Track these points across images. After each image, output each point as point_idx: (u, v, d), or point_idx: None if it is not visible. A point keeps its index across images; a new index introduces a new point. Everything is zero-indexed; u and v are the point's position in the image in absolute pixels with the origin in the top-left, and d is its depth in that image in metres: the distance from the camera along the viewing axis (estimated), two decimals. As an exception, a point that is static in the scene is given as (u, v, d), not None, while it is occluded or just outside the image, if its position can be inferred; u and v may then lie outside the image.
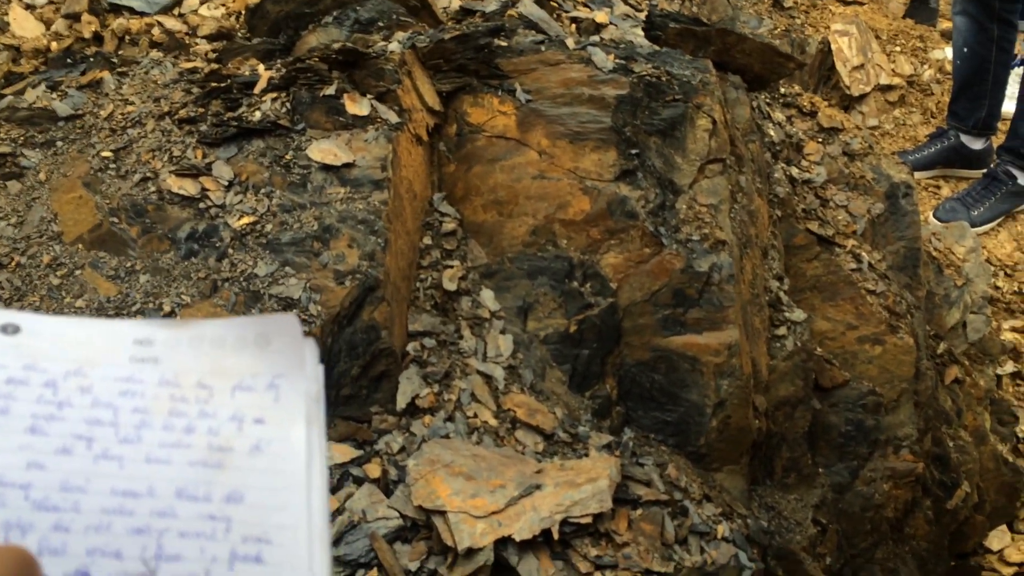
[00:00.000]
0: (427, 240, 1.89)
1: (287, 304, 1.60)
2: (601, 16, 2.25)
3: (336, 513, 1.51)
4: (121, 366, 0.53)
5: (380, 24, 2.14)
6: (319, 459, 0.52)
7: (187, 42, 2.40)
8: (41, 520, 0.47)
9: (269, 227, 1.70)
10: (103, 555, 0.48)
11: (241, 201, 1.74)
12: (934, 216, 3.40)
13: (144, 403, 0.52)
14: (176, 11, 2.52)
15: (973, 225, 3.23)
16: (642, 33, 2.07)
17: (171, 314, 1.64)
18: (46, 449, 0.49)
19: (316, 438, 0.53)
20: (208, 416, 0.52)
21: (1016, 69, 3.81)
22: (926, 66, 4.29)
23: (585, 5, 2.34)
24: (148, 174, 1.81)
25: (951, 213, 3.34)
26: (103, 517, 0.48)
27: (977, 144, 3.59)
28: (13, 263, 1.75)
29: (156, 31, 2.44)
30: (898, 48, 4.38)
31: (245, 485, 0.50)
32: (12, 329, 0.52)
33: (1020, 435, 2.71)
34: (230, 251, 1.69)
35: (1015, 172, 3.38)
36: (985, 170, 3.52)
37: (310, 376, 0.54)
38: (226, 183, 1.77)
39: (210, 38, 2.42)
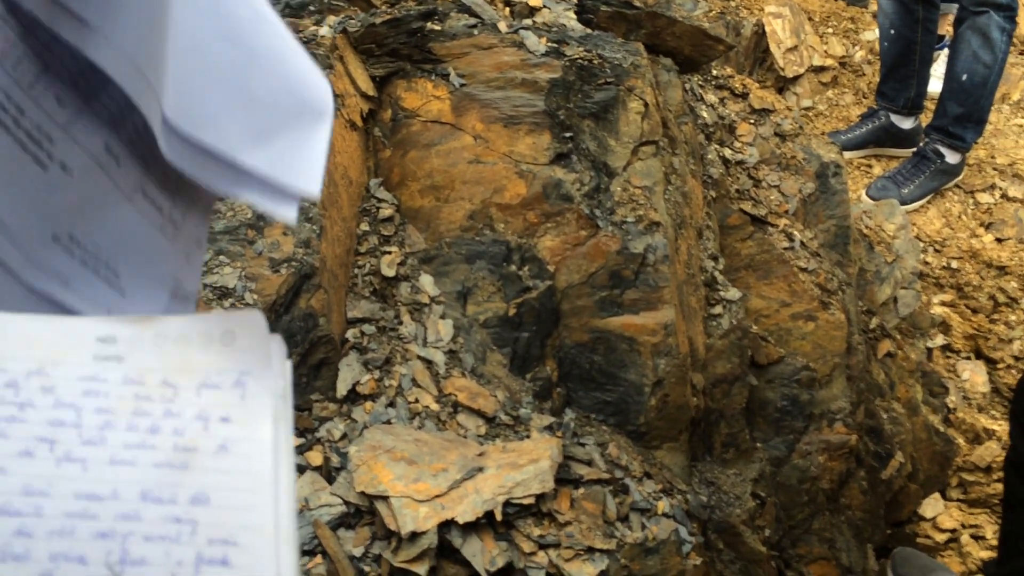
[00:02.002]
0: (364, 226, 1.89)
1: (222, 293, 1.59)
2: (534, 0, 2.25)
3: (277, 502, 1.50)
4: (84, 365, 0.51)
5: (311, 8, 2.12)
6: (286, 458, 0.51)
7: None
8: (2, 525, 0.46)
9: (202, 216, 1.68)
10: (67, 560, 0.47)
11: (173, 191, 1.72)
12: (866, 194, 3.48)
13: (108, 403, 0.51)
14: None
15: (903, 203, 3.31)
16: (574, 16, 2.08)
17: (103, 306, 1.61)
18: (7, 452, 0.48)
19: (283, 436, 0.52)
20: (173, 415, 0.51)
21: (941, 50, 3.91)
22: (858, 47, 4.38)
23: (519, -11, 2.34)
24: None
25: (882, 191, 3.42)
26: (66, 521, 0.47)
27: (906, 123, 3.68)
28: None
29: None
30: (830, 30, 4.46)
31: (211, 486, 0.49)
32: None
33: (951, 406, 2.80)
34: (163, 241, 1.66)
35: (943, 150, 3.47)
36: (915, 149, 3.60)
37: (277, 373, 0.53)
38: (157, 173, 1.74)
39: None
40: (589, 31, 1.99)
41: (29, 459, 0.48)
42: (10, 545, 0.46)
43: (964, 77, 3.30)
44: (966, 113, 3.38)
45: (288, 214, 0.55)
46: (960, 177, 3.57)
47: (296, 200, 0.56)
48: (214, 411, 0.51)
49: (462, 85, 1.91)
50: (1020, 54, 4.42)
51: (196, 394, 0.51)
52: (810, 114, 4.08)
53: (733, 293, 2.04)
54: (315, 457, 1.57)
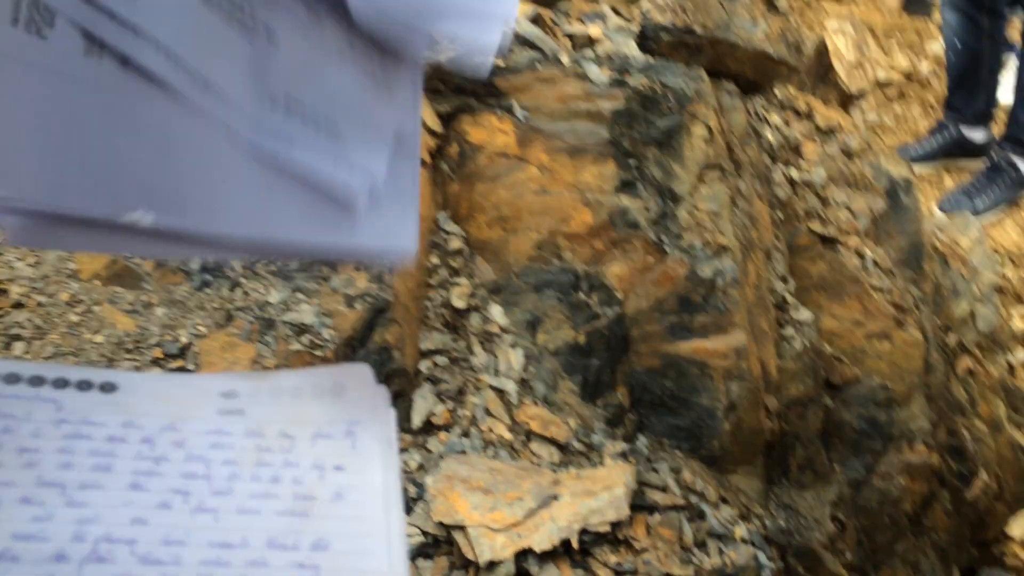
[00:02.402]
0: (434, 259, 1.92)
1: (301, 330, 1.63)
2: (595, 30, 2.28)
3: (358, 533, 1.53)
4: (210, 419, 0.56)
5: (378, 50, 2.18)
6: (396, 502, 0.55)
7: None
8: (147, 574, 0.50)
9: (279, 255, 1.74)
10: None
11: (250, 231, 1.78)
12: (939, 208, 3.42)
13: (233, 455, 0.55)
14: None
15: (977, 215, 3.24)
16: (635, 45, 2.10)
17: (188, 346, 1.67)
18: (147, 504, 0.52)
19: (392, 482, 0.55)
20: (292, 465, 0.55)
21: (1010, 58, 3.83)
22: (923, 59, 4.31)
23: (579, 20, 2.38)
24: (159, 209, 1.85)
25: (955, 204, 3.36)
26: (203, 569, 0.51)
27: (978, 134, 3.61)
28: (33, 302, 1.79)
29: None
30: (894, 43, 4.41)
31: (330, 532, 0.53)
32: (109, 387, 0.55)
33: (1035, 422, 2.72)
34: (242, 280, 1.72)
35: (1017, 160, 3.40)
36: (987, 160, 3.53)
37: (383, 421, 0.57)
38: (235, 214, 1.81)
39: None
40: (651, 60, 2.01)
41: (167, 510, 0.52)
42: None
43: (1036, 86, 3.23)
44: (1039, 122, 3.31)
45: (492, 40, 0.56)
46: (1036, 187, 3.48)
47: (502, 24, 0.57)
48: (328, 460, 0.54)
49: (526, 118, 1.94)
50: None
51: (311, 444, 0.55)
52: (877, 129, 4.03)
53: (804, 314, 2.03)
54: (393, 488, 1.60)
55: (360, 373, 0.58)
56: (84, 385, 0.55)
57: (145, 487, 0.52)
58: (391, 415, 0.57)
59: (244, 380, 0.57)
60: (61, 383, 0.54)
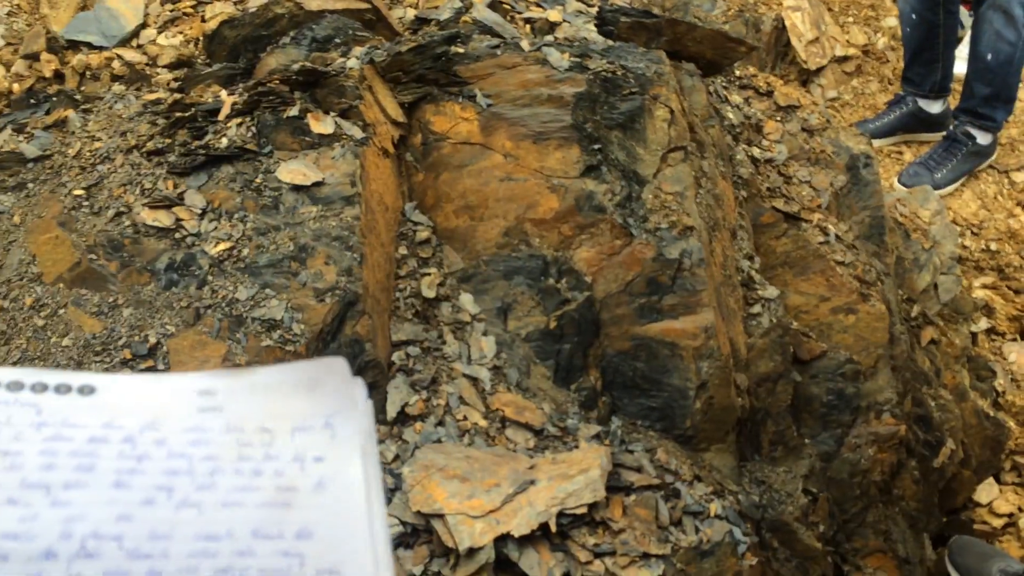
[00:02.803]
0: (402, 250, 1.92)
1: (271, 326, 1.63)
2: (554, 15, 2.28)
3: (336, 526, 1.53)
4: (190, 417, 0.57)
5: (337, 41, 2.16)
6: (377, 489, 0.56)
7: (148, 73, 2.42)
8: (136, 568, 0.51)
9: (246, 251, 1.73)
10: None
11: (216, 228, 1.77)
12: (899, 182, 3.46)
13: (214, 450, 0.56)
14: (134, 43, 2.53)
15: (937, 187, 3.29)
16: (595, 29, 2.11)
17: (157, 345, 1.66)
18: (132, 501, 0.53)
19: (372, 469, 0.57)
20: (273, 458, 0.56)
21: (964, 29, 3.87)
22: (879, 34, 4.35)
23: (538, 5, 2.37)
24: (122, 209, 1.83)
25: (915, 177, 3.40)
26: (190, 560, 0.52)
27: (935, 107, 3.65)
28: (-5, 309, 1.77)
29: (116, 64, 2.46)
30: (851, 19, 4.44)
31: (312, 521, 0.54)
32: (88, 390, 0.56)
33: (999, 389, 2.77)
34: (209, 278, 1.71)
35: (974, 132, 3.45)
36: (945, 133, 3.58)
37: (362, 412, 0.58)
38: (199, 211, 1.79)
39: (171, 67, 2.43)
40: (611, 43, 2.02)
41: (151, 506, 0.53)
42: None
43: (989, 57, 3.28)
44: (994, 93, 3.36)
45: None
46: (993, 158, 3.54)
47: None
48: (308, 452, 0.56)
49: (489, 105, 1.94)
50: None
51: (291, 437, 0.56)
52: (836, 104, 4.06)
53: (771, 291, 2.05)
54: (370, 480, 1.60)
55: (336, 366, 0.59)
56: (63, 388, 0.55)
57: (129, 485, 0.53)
58: (368, 406, 0.58)
59: (221, 378, 0.59)
60: (40, 387, 0.55)
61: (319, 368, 0.59)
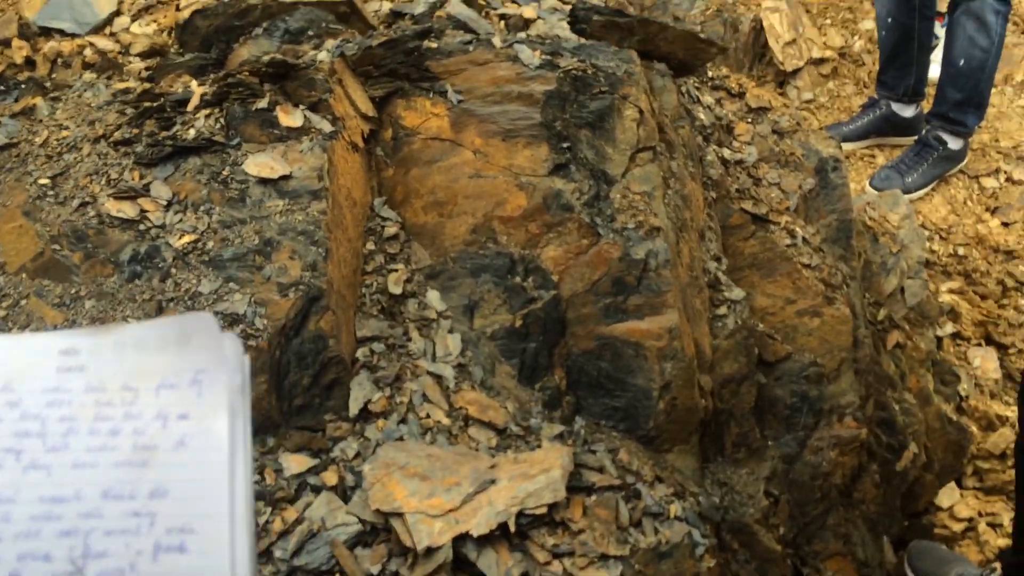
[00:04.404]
0: (370, 245, 1.92)
1: (233, 320, 1.62)
2: (529, 11, 2.28)
3: (295, 523, 1.53)
4: (48, 377, 0.56)
5: (310, 33, 2.15)
6: (243, 447, 0.56)
7: (120, 61, 2.40)
8: None
9: (210, 244, 1.72)
10: (33, 559, 0.51)
11: (181, 220, 1.75)
12: (870, 185, 3.49)
13: (71, 411, 0.55)
14: (108, 30, 2.51)
15: (907, 191, 3.32)
16: (568, 27, 2.10)
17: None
18: None
19: (240, 427, 0.56)
20: (133, 417, 0.55)
21: (938, 35, 3.90)
22: (856, 37, 4.38)
23: (513, 1, 2.37)
24: (87, 199, 1.82)
25: (886, 181, 3.43)
26: (32, 524, 0.51)
27: (908, 111, 3.68)
28: (-46, 298, 1.75)
29: (89, 52, 2.43)
30: (828, 21, 4.46)
31: (169, 480, 0.54)
32: None
33: (963, 394, 2.80)
34: (173, 271, 1.70)
35: (945, 137, 3.47)
36: (917, 137, 3.61)
37: (232, 368, 0.57)
38: (165, 203, 1.78)
39: (143, 56, 2.41)
40: (583, 41, 2.02)
41: None
42: None
43: (961, 62, 3.30)
44: (966, 98, 3.38)
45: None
46: (964, 163, 3.57)
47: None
48: (172, 409, 0.55)
49: (460, 101, 1.94)
50: (1023, 34, 4.41)
51: (155, 395, 0.55)
52: (812, 107, 4.09)
53: (737, 293, 2.06)
54: (330, 477, 1.60)
55: (205, 322, 0.58)
56: None
57: None
58: (244, 361, 0.58)
59: (86, 336, 0.58)
60: None
61: (188, 323, 0.58)
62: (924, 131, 3.55)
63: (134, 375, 0.56)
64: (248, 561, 0.52)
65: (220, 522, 0.53)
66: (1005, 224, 3.30)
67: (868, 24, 4.32)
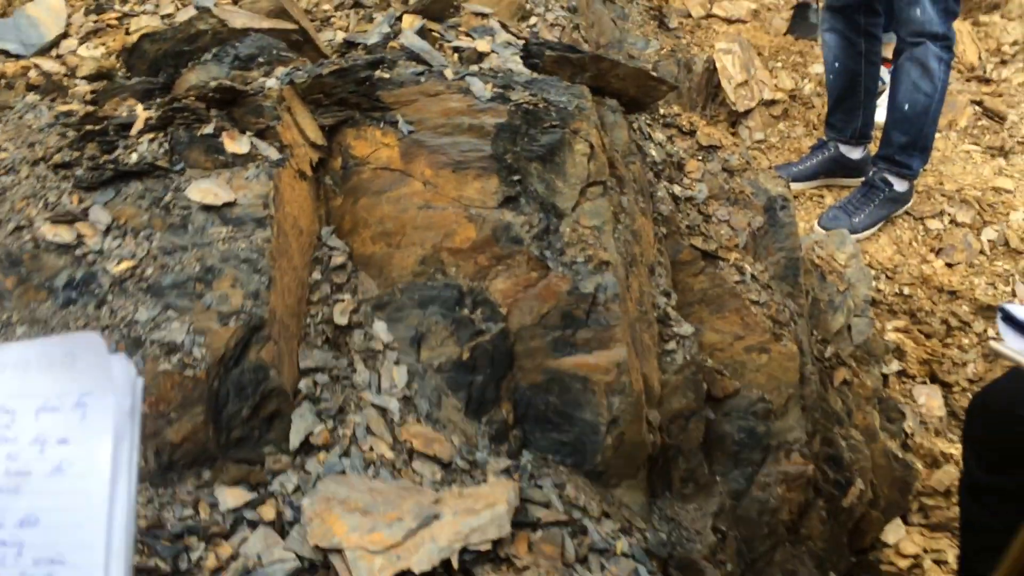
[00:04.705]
0: (316, 275, 1.88)
1: (170, 348, 1.58)
2: (483, 45, 2.28)
3: (230, 559, 1.48)
4: None
5: (260, 60, 2.13)
6: (126, 474, 0.52)
7: (66, 84, 2.35)
8: None
9: (150, 271, 1.67)
10: None
11: (120, 246, 1.71)
12: (819, 224, 3.54)
13: None
14: (54, 52, 2.46)
15: (854, 231, 3.37)
16: (521, 61, 2.11)
17: (50, 366, 1.59)
18: None
19: (125, 452, 0.53)
20: (8, 441, 0.52)
21: (885, 80, 4.00)
22: (806, 80, 4.47)
23: (467, 35, 2.37)
24: (23, 222, 1.77)
25: (834, 221, 3.48)
26: None
27: (855, 153, 3.75)
28: None
29: (33, 74, 2.39)
30: (780, 64, 4.55)
31: (41, 508, 0.50)
32: None
33: (908, 431, 2.83)
34: (109, 297, 1.65)
35: (891, 179, 3.54)
36: (864, 178, 3.67)
37: (121, 391, 0.54)
38: (104, 228, 1.74)
39: (90, 79, 2.37)
40: (535, 75, 2.02)
41: None
42: None
43: (906, 107, 3.38)
44: (911, 142, 3.46)
45: None
46: (909, 204, 3.64)
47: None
48: (52, 433, 0.52)
49: (410, 132, 1.93)
50: (966, 81, 4.53)
51: (34, 418, 0.52)
52: (762, 147, 4.15)
53: (686, 328, 2.06)
54: (268, 512, 1.55)
55: (92, 342, 0.55)
56: None
57: None
58: (137, 384, 0.54)
59: None
60: None
61: (74, 343, 0.55)
62: (871, 173, 3.62)
63: (13, 396, 0.53)
64: None
65: (95, 553, 0.49)
66: (949, 265, 3.36)
67: (818, 68, 4.41)
